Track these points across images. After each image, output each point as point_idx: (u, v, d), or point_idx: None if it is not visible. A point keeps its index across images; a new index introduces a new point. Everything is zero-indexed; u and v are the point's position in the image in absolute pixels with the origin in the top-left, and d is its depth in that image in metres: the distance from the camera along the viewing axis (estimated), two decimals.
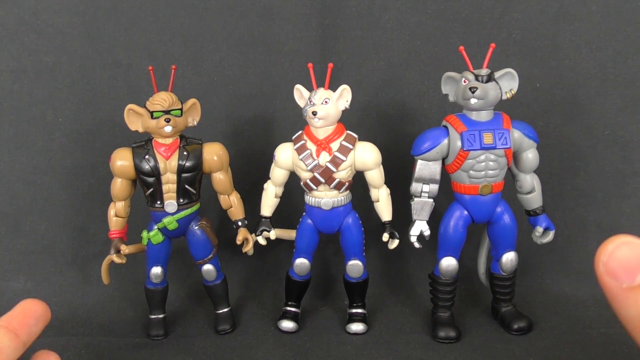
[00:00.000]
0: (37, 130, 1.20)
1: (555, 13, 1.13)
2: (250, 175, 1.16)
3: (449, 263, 0.98)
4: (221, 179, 1.00)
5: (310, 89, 0.92)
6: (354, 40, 1.16)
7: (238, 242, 1.01)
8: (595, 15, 1.12)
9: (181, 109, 0.94)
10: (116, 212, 0.98)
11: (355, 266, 1.00)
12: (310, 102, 0.91)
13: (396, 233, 0.98)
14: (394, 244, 0.98)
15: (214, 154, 0.97)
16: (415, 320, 1.05)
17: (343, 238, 0.99)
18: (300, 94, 0.94)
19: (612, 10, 1.12)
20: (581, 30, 1.13)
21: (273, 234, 1.01)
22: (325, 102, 0.90)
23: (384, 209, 0.97)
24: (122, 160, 0.95)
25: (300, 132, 0.95)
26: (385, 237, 0.98)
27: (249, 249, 1.02)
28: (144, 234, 1.00)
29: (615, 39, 1.13)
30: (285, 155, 0.95)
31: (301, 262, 1.01)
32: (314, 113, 0.89)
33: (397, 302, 1.13)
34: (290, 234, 1.04)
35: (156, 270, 1.01)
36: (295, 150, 0.94)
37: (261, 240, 1.01)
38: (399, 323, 1.05)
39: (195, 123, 0.98)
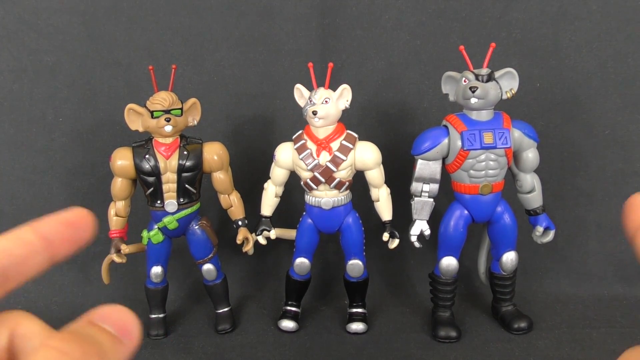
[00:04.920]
0: (37, 130, 1.20)
1: (556, 13, 1.13)
2: (250, 174, 1.16)
3: (449, 262, 0.98)
4: (221, 178, 0.99)
5: (310, 88, 0.92)
6: (354, 40, 1.16)
7: (238, 242, 1.01)
8: (596, 14, 1.12)
9: (181, 109, 0.94)
10: (116, 212, 0.98)
11: (355, 266, 1.00)
12: (310, 101, 0.91)
13: (396, 232, 0.98)
14: (394, 243, 0.98)
15: (214, 153, 0.97)
16: (415, 320, 1.05)
17: (343, 237, 0.99)
18: (300, 93, 0.94)
19: (612, 10, 1.12)
20: (581, 30, 1.13)
21: (273, 234, 1.01)
22: (326, 101, 0.90)
23: (384, 209, 0.97)
24: (122, 159, 0.95)
25: (300, 131, 0.95)
26: (386, 236, 0.98)
27: (249, 248, 1.02)
28: (144, 233, 1.00)
29: (615, 39, 1.13)
30: (285, 155, 0.95)
31: (301, 262, 1.01)
32: (314, 112, 0.89)
33: (397, 302, 1.13)
34: (290, 234, 1.04)
35: (156, 269, 1.01)
36: (295, 149, 0.94)
37: (261, 240, 1.01)
38: (399, 323, 1.05)
39: (196, 122, 0.98)
